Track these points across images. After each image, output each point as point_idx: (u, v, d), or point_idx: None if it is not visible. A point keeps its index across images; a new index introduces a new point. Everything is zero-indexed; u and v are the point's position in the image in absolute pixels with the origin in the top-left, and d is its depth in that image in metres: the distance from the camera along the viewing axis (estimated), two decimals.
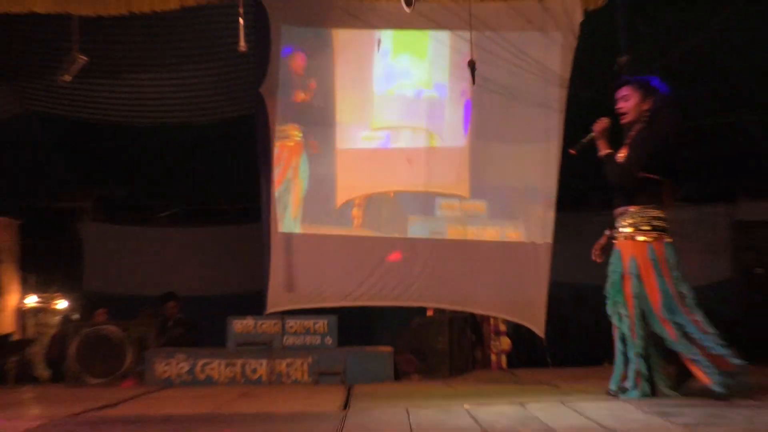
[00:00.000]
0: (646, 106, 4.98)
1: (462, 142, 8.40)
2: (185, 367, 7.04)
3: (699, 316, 4.88)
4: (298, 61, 8.43)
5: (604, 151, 5.09)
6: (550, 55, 8.25)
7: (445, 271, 8.14)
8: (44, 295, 15.09)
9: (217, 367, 7.00)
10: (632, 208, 4.95)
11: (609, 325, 8.90)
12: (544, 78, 8.13)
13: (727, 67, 7.69)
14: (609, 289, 5.11)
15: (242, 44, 7.42)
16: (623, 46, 8.16)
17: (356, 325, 9.25)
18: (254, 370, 7.02)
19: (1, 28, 9.10)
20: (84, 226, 12.55)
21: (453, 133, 8.45)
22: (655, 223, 4.90)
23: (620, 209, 5.04)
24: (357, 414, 4.56)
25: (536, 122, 8.12)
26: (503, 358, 8.65)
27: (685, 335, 4.81)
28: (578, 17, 8.14)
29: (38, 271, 14.64)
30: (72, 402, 5.58)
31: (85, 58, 7.64)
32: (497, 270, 8.08)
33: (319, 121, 8.43)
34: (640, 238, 4.90)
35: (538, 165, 8.08)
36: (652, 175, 4.90)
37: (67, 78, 7.71)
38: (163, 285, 10.33)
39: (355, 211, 8.29)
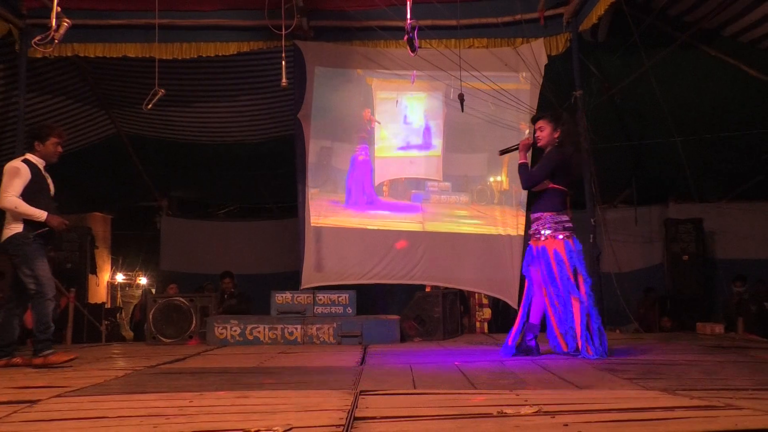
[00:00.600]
0: (556, 135, 5.05)
1: (440, 151, 8.48)
2: (237, 330, 6.99)
3: (587, 297, 4.87)
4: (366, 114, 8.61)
5: (522, 160, 5.12)
6: (522, 90, 8.21)
7: (440, 257, 8.13)
8: (129, 273, 15.13)
9: (262, 331, 6.94)
10: (547, 214, 4.96)
11: None
12: (516, 107, 8.06)
13: (657, 99, 7.68)
14: (542, 277, 5.03)
15: (284, 80, 7.39)
16: (577, 82, 8.11)
17: (371, 298, 9.20)
18: (291, 333, 6.95)
19: (102, 69, 9.12)
20: (161, 220, 12.56)
21: (437, 146, 8.52)
22: (566, 225, 4.93)
23: (537, 214, 5.03)
24: (371, 368, 4.51)
25: (510, 140, 8.04)
26: (485, 325, 8.60)
27: (574, 308, 4.84)
28: (544, 60, 8.15)
29: (125, 255, 14.70)
30: (150, 357, 5.56)
31: (164, 92, 7.61)
32: (481, 256, 8.08)
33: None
34: (560, 236, 4.91)
35: (511, 173, 8.05)
36: (560, 186, 4.96)
37: (150, 106, 7.68)
38: (221, 265, 10.29)
39: (385, 188, 8.45)
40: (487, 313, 8.60)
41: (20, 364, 4.99)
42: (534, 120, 5.24)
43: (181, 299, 7.36)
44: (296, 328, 6.97)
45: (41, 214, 4.97)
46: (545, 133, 5.07)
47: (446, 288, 7.87)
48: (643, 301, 10.08)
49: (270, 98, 9.64)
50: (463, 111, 7.50)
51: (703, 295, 10.28)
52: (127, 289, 15.93)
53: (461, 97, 7.57)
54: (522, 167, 5.08)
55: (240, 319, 7.16)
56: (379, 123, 8.53)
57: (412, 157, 8.54)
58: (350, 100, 8.55)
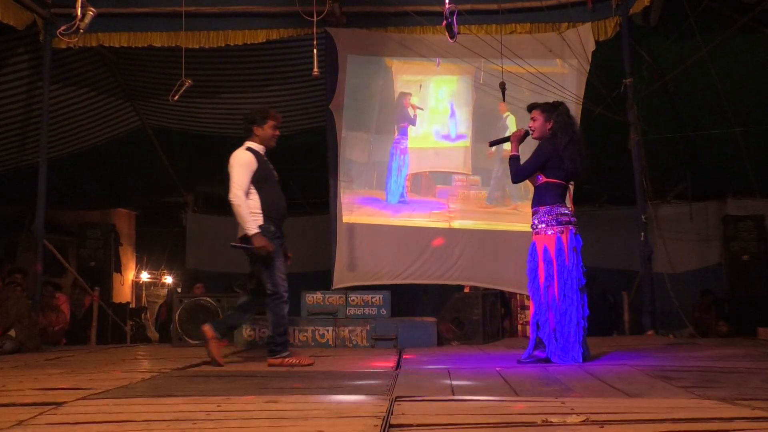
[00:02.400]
0: (548, 125, 5.07)
1: (468, 141, 8.46)
2: (267, 331, 7.01)
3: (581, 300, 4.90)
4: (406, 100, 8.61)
5: (512, 152, 5.16)
6: (568, 79, 8.15)
7: (479, 256, 8.09)
8: (154, 272, 15.35)
9: (292, 333, 6.96)
10: (542, 208, 4.98)
11: (616, 301, 8.83)
12: (561, 96, 7.96)
13: (715, 87, 7.55)
14: (527, 273, 5.05)
15: (315, 70, 7.41)
16: (628, 69, 8.01)
17: (406, 299, 9.20)
18: (322, 335, 6.98)
19: (127, 59, 9.26)
20: (187, 217, 12.71)
21: (465, 136, 8.50)
22: (561, 218, 4.92)
23: (534, 209, 5.06)
24: (407, 373, 4.50)
25: None
26: (528, 328, 8.54)
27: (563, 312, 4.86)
28: (591, 46, 8.07)
29: (150, 253, 14.90)
30: (176, 359, 5.63)
31: (190, 82, 7.70)
32: (523, 255, 7.96)
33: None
34: (550, 231, 4.92)
35: None
36: (555, 180, 4.98)
37: (176, 98, 7.78)
38: (249, 264, 10.35)
39: (407, 183, 8.45)
40: (528, 315, 8.51)
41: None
42: (528, 109, 5.28)
43: (208, 299, 7.43)
44: (328, 330, 6.99)
45: (253, 227, 5.03)
46: (538, 123, 5.12)
47: (486, 289, 7.83)
48: (699, 304, 9.92)
49: (300, 88, 9.69)
50: (504, 101, 7.48)
51: (764, 297, 10.08)
52: (152, 288, 16.17)
53: (503, 87, 7.54)
54: (512, 160, 5.14)
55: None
56: (422, 110, 8.50)
57: (438, 148, 8.50)
58: (385, 88, 8.54)
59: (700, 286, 10.18)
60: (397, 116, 8.54)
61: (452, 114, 8.53)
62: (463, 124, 8.47)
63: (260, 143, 5.27)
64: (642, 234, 7.78)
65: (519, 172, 5.11)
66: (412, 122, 8.52)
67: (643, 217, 7.85)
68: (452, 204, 8.34)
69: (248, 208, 5.05)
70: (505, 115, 8.32)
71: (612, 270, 10.28)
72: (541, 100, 5.72)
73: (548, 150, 5.01)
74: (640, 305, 7.92)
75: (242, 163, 5.13)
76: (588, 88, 8.04)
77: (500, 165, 8.19)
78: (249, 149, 5.22)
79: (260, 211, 5.12)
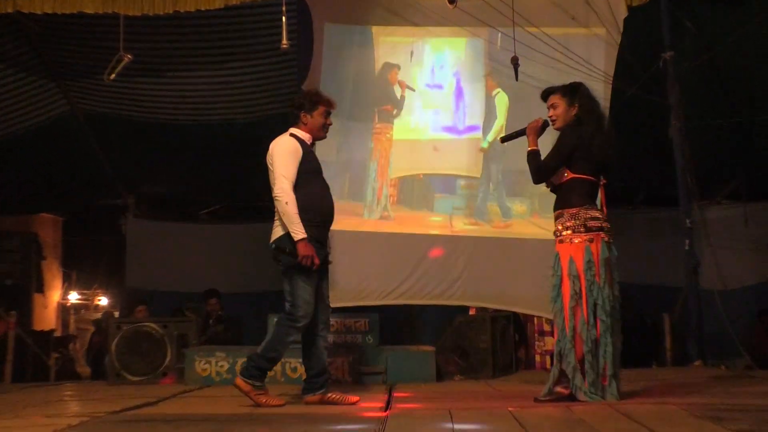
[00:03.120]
0: (573, 111, 5.10)
1: (481, 132, 8.38)
2: (225, 365, 7.00)
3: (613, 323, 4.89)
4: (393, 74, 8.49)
5: (530, 147, 5.18)
6: (594, 52, 8.15)
7: (487, 269, 8.05)
8: (86, 291, 15.26)
9: None
10: (567, 211, 4.99)
11: (656, 325, 8.85)
12: (587, 74, 7.97)
13: None
14: (550, 292, 5.04)
15: (285, 42, 7.38)
16: (667, 41, 8.04)
17: (398, 324, 9.18)
18: (294, 369, 6.94)
19: (51, 29, 9.20)
20: (126, 223, 12.64)
21: (477, 126, 8.43)
22: (591, 223, 4.92)
23: (557, 211, 5.08)
24: (398, 416, 4.48)
25: None
26: (548, 359, 8.55)
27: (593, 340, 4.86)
28: (622, 13, 8.07)
29: (80, 268, 14.82)
30: (112, 400, 5.59)
31: (130, 57, 7.67)
32: (541, 268, 7.94)
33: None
34: (577, 239, 4.92)
35: None
36: (583, 176, 4.99)
37: (113, 77, 7.73)
38: (204, 282, 10.35)
39: (391, 190, 8.33)
40: (549, 343, 8.53)
41: (338, 401, 5.19)
42: (544, 96, 5.29)
43: (152, 325, 7.38)
44: (301, 363, 6.94)
45: (299, 232, 5.11)
46: (559, 110, 5.14)
47: (496, 310, 7.82)
48: (757, 328, 9.95)
49: (266, 65, 9.66)
50: (517, 80, 7.47)
51: None
52: (82, 311, 16.06)
53: (515, 62, 7.54)
54: (531, 156, 5.15)
55: (228, 351, 7.17)
56: (413, 90, 8.39)
57: (438, 141, 8.43)
58: (361, 56, 8.50)
59: (758, 305, 10.20)
60: (377, 95, 8.41)
61: (459, 93, 8.46)
62: (474, 108, 8.40)
63: (308, 132, 5.42)
64: (686, 242, 7.79)
65: (541, 168, 5.10)
66: (398, 105, 8.42)
67: (687, 221, 7.87)
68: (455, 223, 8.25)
69: (296, 207, 5.15)
70: (494, 93, 8.31)
71: (650, 286, 10.30)
72: (560, 79, 5.73)
73: (573, 139, 5.01)
74: (685, 329, 7.94)
75: (287, 150, 5.28)
76: (619, 63, 8.04)
77: (497, 165, 8.20)
78: (293, 135, 5.36)
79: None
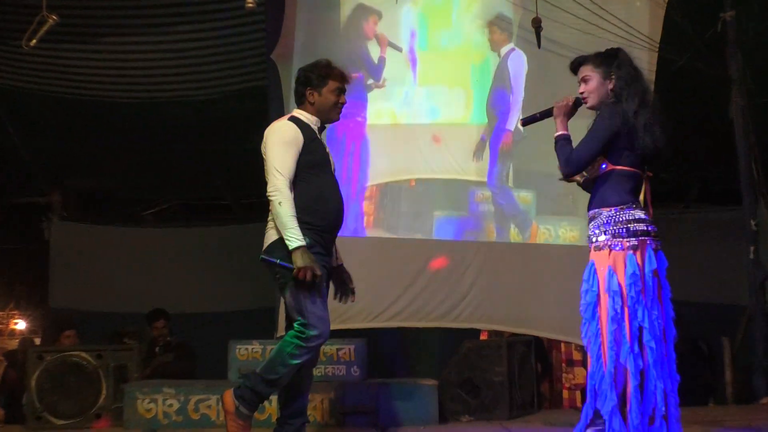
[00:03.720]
0: (610, 86, 5.05)
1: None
2: (175, 404, 6.97)
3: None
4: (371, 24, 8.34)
5: (560, 131, 5.13)
6: (636, 13, 8.20)
7: (503, 283, 8.09)
8: None
9: (215, 405, 6.90)
10: (606, 210, 4.95)
11: (713, 353, 8.88)
12: (627, 40, 8.00)
13: None
14: (582, 311, 5.01)
15: (250, 0, 7.39)
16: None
17: (390, 353, 9.19)
18: (262, 409, 6.90)
19: None
20: (51, 226, 12.60)
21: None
22: (635, 226, 4.88)
23: (592, 212, 5.05)
24: None
25: None
26: (578, 395, 8.57)
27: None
28: None
29: None
30: None
31: (56, 19, 7.66)
32: (569, 282, 7.95)
33: None
34: (617, 247, 4.88)
35: None
36: (625, 167, 4.96)
37: (33, 43, 7.72)
38: (149, 300, 10.34)
39: (366, 206, 8.27)
40: (580, 375, 8.57)
41: None
42: (574, 67, 5.24)
43: (83, 355, 7.37)
44: (270, 401, 6.91)
45: (296, 239, 5.11)
46: (592, 85, 5.09)
47: (513, 335, 7.85)
48: None
49: (228, 30, 9.67)
50: (539, 47, 7.50)
51: None
52: None
53: (537, 25, 7.57)
54: (561, 142, 5.11)
55: (179, 386, 7.16)
56: (399, 50, 8.27)
57: (440, 127, 8.41)
58: (353, 29, 8.55)
59: None
60: (343, 55, 8.16)
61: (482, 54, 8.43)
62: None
63: (316, 114, 5.44)
64: (751, 249, 7.82)
65: (573, 159, 5.02)
66: (375, 73, 8.36)
67: (752, 222, 7.90)
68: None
69: (293, 208, 5.16)
70: (504, 51, 8.24)
71: (705, 304, 10.33)
72: (593, 47, 5.71)
73: (614, 120, 4.95)
74: (750, 358, 7.95)
75: (282, 139, 5.28)
76: (667, 27, 8.08)
77: (504, 162, 8.13)
78: (293, 119, 5.38)
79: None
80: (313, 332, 5.11)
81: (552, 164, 5.35)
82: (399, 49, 8.31)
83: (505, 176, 8.18)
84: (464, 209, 8.24)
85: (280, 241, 5.15)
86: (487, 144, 8.23)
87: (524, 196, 8.19)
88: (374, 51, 8.29)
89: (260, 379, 5.17)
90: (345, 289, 5.62)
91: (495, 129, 8.23)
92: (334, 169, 5.56)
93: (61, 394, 7.22)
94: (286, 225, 5.11)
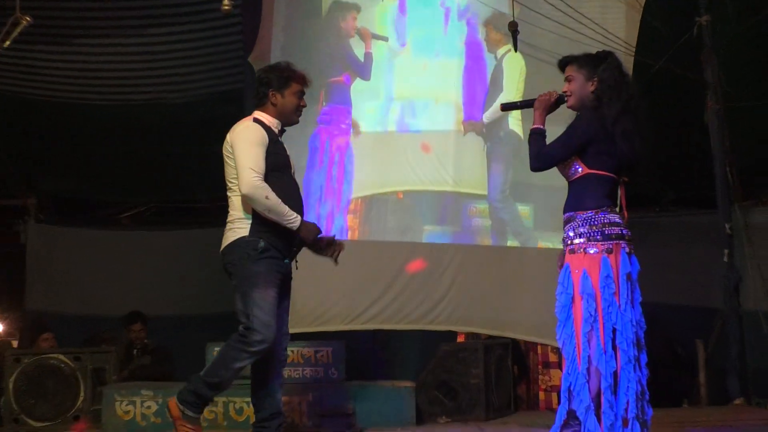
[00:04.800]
0: (591, 88, 5.06)
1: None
2: (153, 406, 6.97)
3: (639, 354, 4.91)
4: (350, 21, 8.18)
5: (536, 124, 5.14)
6: (612, 17, 8.23)
7: (480, 286, 8.11)
8: None
9: None
10: (581, 213, 4.97)
11: (688, 355, 8.92)
12: (604, 44, 8.04)
13: None
14: (557, 312, 5.04)
15: (226, 2, 7.40)
16: (703, 3, 8.10)
17: (368, 354, 9.19)
18: (240, 410, 6.95)
19: None
20: (26, 229, 12.52)
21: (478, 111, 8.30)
22: (609, 230, 4.91)
23: (567, 214, 5.06)
24: None
25: None
26: (554, 397, 8.60)
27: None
28: None
29: None
30: None
31: (30, 20, 7.63)
32: (547, 285, 7.95)
33: None
34: (592, 250, 4.90)
35: None
36: (602, 172, 4.97)
37: (7, 44, 7.70)
38: (126, 303, 10.30)
39: (350, 220, 8.23)
40: (556, 377, 8.60)
41: None
42: (561, 65, 5.26)
43: (60, 357, 7.35)
44: (248, 403, 6.93)
45: (294, 218, 5.29)
46: (575, 84, 5.11)
47: (490, 337, 7.86)
48: None
49: (204, 32, 9.64)
50: (516, 50, 7.53)
51: None
52: None
53: (514, 29, 7.59)
54: (533, 136, 5.11)
55: (157, 388, 7.15)
56: (385, 40, 8.13)
57: (430, 135, 8.35)
58: (332, 29, 8.54)
59: None
60: (323, 59, 8.31)
61: (473, 53, 8.39)
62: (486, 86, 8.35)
63: (277, 116, 5.50)
64: (725, 252, 7.86)
65: (543, 154, 5.05)
66: (362, 72, 8.30)
67: (726, 226, 7.96)
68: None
69: (274, 198, 5.22)
70: (501, 52, 8.19)
71: (680, 307, 10.34)
72: (567, 50, 5.72)
73: (593, 125, 4.96)
74: (724, 360, 8.00)
75: (251, 139, 5.33)
76: (643, 30, 8.12)
77: (509, 162, 8.06)
78: (257, 121, 5.42)
79: (245, 216, 5.32)
80: (257, 337, 5.16)
81: (551, 177, 5.40)
82: (384, 39, 8.24)
83: (507, 187, 8.08)
84: (457, 224, 8.21)
85: (239, 242, 5.26)
86: (484, 152, 8.19)
87: (522, 210, 8.18)
88: (358, 48, 8.20)
89: (203, 382, 5.21)
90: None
91: (492, 135, 8.20)
92: (294, 172, 5.65)
93: (38, 396, 7.22)
94: (281, 212, 5.22)
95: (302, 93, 5.55)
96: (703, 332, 8.55)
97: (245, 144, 5.29)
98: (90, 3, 9.43)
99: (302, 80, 5.55)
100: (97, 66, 10.22)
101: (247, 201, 5.26)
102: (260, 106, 5.51)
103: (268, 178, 5.26)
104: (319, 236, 5.51)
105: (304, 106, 5.60)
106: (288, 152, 5.59)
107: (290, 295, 5.68)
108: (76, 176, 12.61)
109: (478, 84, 8.23)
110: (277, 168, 5.36)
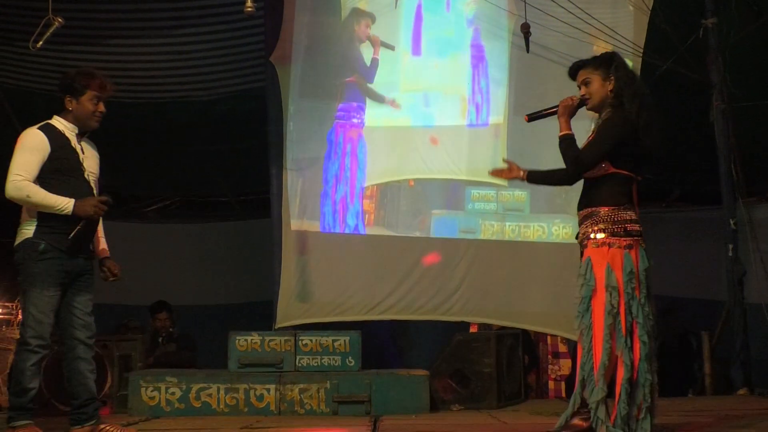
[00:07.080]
0: (609, 87, 5.04)
1: (500, 117, 8.31)
2: (177, 392, 6.98)
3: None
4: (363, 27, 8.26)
5: (564, 131, 5.09)
6: (621, 19, 8.22)
7: (492, 278, 8.12)
8: (8, 304, 15.17)
9: (215, 393, 6.94)
10: (603, 210, 4.95)
11: (693, 346, 8.90)
12: (612, 45, 8.03)
13: None
14: (578, 306, 5.02)
15: (249, 4, 7.40)
16: (709, 6, 8.07)
17: (384, 344, 9.19)
18: (261, 397, 6.96)
19: None
20: None
21: (489, 106, 8.33)
22: (630, 227, 4.92)
23: (587, 210, 5.04)
24: None
25: None
26: (563, 386, 8.59)
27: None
28: None
29: (1, 276, 14.71)
30: None
31: (61, 21, 7.64)
32: (556, 278, 7.98)
33: None
34: (616, 245, 4.89)
35: None
36: (624, 171, 4.96)
37: (39, 45, 7.72)
38: (152, 293, 10.32)
39: (367, 204, 8.25)
40: (565, 366, 8.59)
41: None
42: (572, 73, 5.24)
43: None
44: (268, 390, 6.97)
45: (65, 203, 5.17)
46: (593, 87, 5.08)
47: (502, 328, 7.86)
48: None
49: (227, 32, 9.66)
50: (528, 51, 7.51)
51: None
52: (4, 328, 15.98)
53: (526, 31, 7.58)
54: (565, 143, 5.05)
55: (181, 375, 7.17)
56: (391, 48, 8.20)
57: (438, 128, 8.39)
58: (347, 33, 8.55)
59: None
60: (338, 60, 8.36)
61: (477, 56, 8.39)
62: (498, 91, 8.35)
63: (73, 121, 5.43)
64: (730, 247, 7.83)
65: (581, 159, 4.99)
66: (367, 75, 8.33)
67: (731, 222, 7.92)
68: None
69: (39, 189, 5.16)
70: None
71: (686, 300, 10.31)
72: (578, 53, 5.69)
73: (626, 126, 4.94)
74: (728, 351, 7.98)
75: (27, 146, 5.28)
76: (651, 33, 8.10)
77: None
78: (45, 126, 5.35)
79: (30, 219, 5.27)
80: (30, 333, 5.15)
81: (545, 165, 5.38)
82: (392, 48, 8.27)
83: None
84: (461, 208, 8.23)
85: (23, 243, 5.22)
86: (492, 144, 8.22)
87: (518, 195, 8.18)
88: (367, 53, 8.26)
89: (10, 393, 5.24)
90: (109, 274, 5.84)
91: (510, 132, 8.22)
92: (97, 176, 5.61)
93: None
94: (50, 204, 5.16)
95: (99, 99, 5.42)
96: (708, 325, 8.52)
97: (18, 149, 5.25)
98: (119, 5, 9.46)
99: (99, 87, 5.41)
100: (126, 65, 10.24)
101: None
102: (59, 111, 5.44)
103: (48, 180, 5.19)
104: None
105: (102, 111, 5.46)
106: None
107: (93, 288, 5.69)
108: (105, 171, 12.58)
109: (482, 83, 8.32)
110: (62, 171, 5.27)
